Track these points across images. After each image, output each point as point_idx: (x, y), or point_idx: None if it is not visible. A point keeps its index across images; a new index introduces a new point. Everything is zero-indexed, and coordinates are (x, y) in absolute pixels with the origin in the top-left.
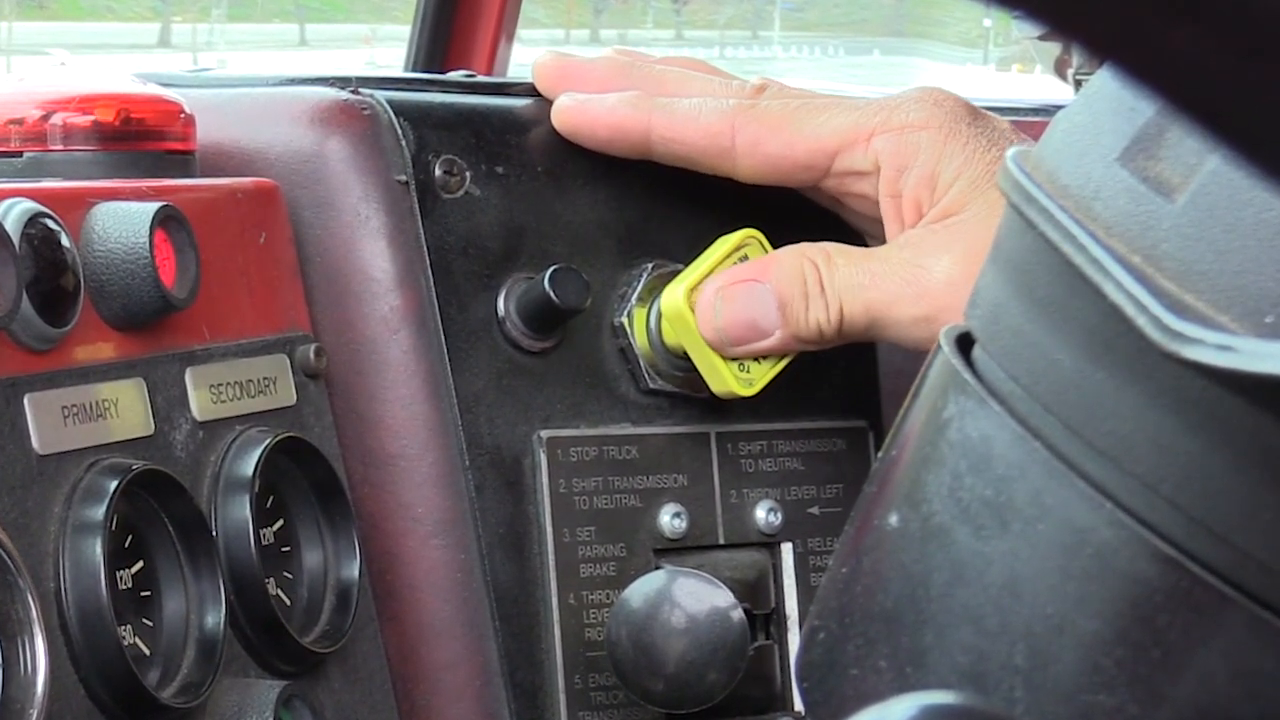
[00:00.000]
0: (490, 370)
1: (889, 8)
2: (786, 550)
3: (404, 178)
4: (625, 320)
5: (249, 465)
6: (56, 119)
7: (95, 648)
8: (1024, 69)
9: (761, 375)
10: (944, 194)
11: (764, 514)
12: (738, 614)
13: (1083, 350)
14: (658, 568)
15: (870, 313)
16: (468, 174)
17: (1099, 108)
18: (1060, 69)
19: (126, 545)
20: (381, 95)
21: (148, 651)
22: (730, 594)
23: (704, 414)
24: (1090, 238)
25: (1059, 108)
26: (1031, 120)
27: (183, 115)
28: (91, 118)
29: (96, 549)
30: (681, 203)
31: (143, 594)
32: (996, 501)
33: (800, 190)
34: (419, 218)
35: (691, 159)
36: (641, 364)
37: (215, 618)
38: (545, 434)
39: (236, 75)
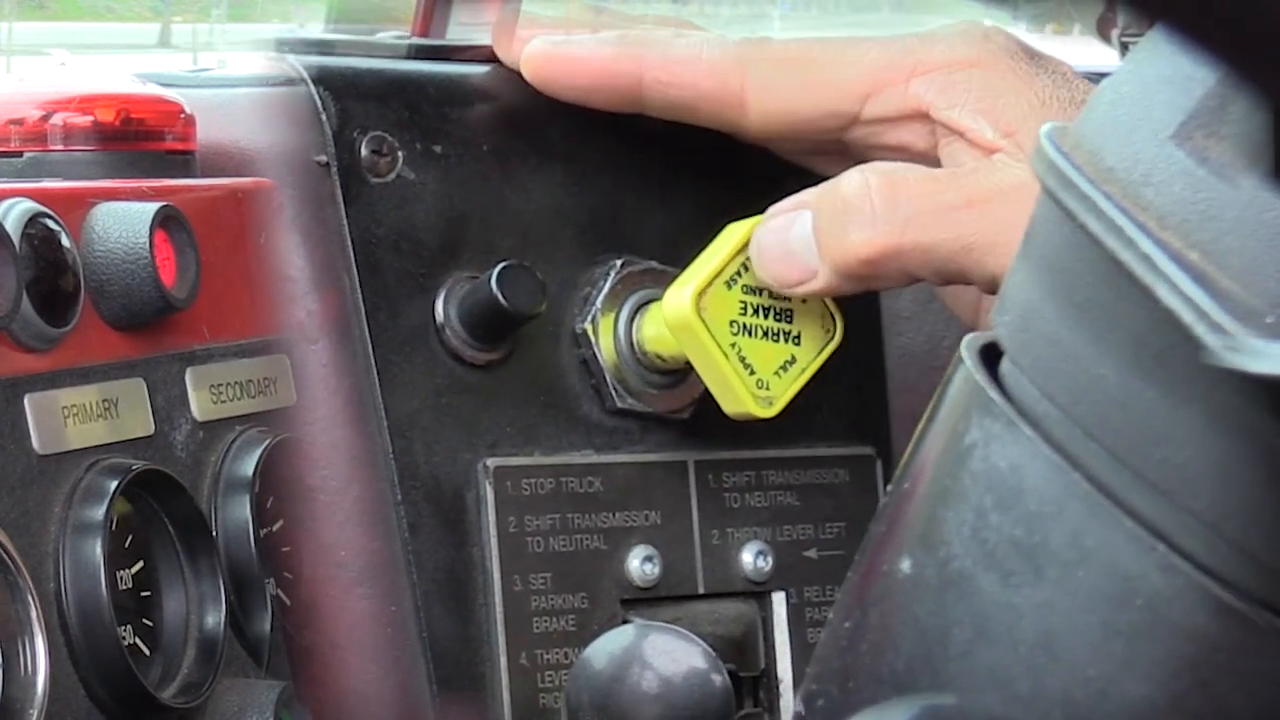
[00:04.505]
0: (427, 387)
1: None
2: (778, 601)
3: (324, 158)
4: (589, 327)
5: (249, 465)
6: (57, 119)
7: (95, 648)
8: (1060, 29)
9: (783, 391)
10: (1016, 131)
11: (751, 558)
12: (720, 677)
13: (1131, 364)
14: (625, 622)
15: (964, 244)
16: (400, 154)
17: (1150, 75)
18: (1103, 29)
19: (127, 545)
20: (298, 60)
21: (148, 651)
22: (712, 653)
23: (680, 439)
24: (1140, 230)
25: (1102, 76)
26: None
27: (183, 115)
28: (91, 118)
29: (96, 549)
30: (656, 187)
31: (143, 594)
32: (1028, 543)
33: (813, 150)
34: (342, 206)
35: (692, 108)
36: (608, 379)
37: (215, 618)
38: (492, 463)
39: (236, 75)
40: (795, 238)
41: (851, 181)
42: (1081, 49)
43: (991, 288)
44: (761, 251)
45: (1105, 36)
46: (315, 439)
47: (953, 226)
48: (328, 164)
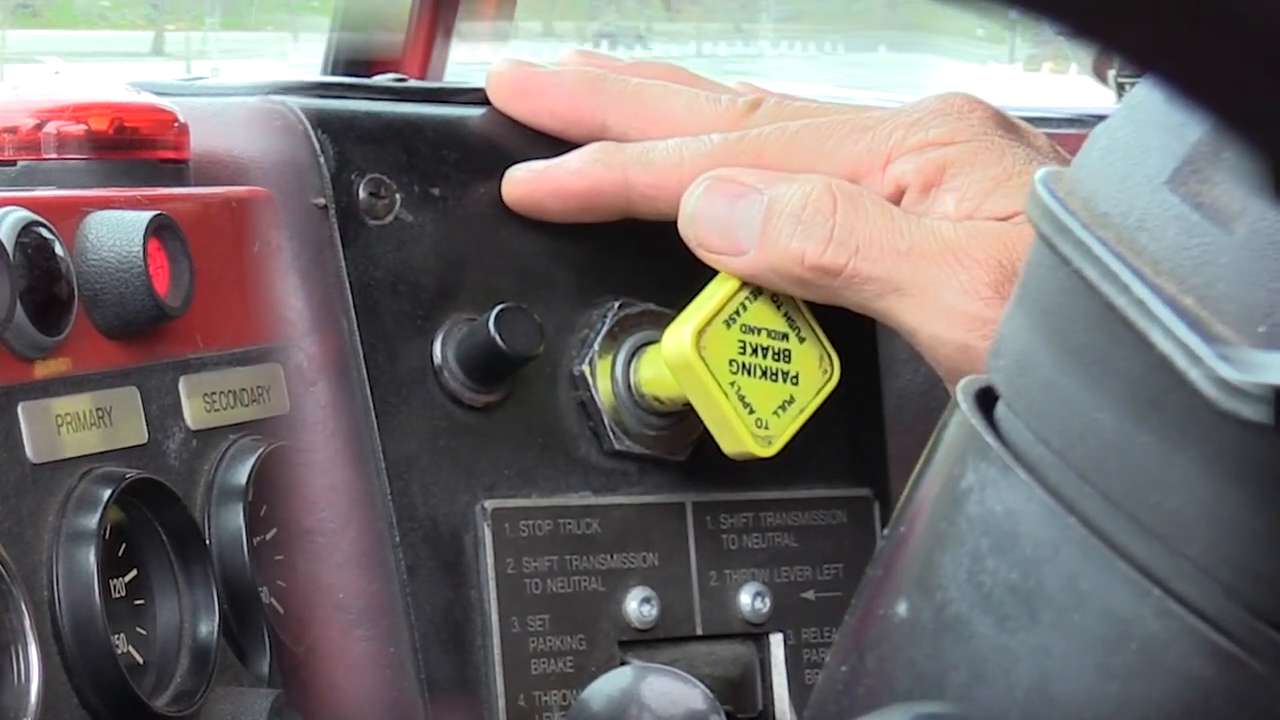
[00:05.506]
0: (425, 429)
1: None
2: (776, 642)
3: (322, 201)
4: (586, 369)
5: (243, 474)
6: (50, 128)
7: (88, 656)
8: (1057, 69)
9: (782, 431)
10: (988, 198)
11: (749, 599)
12: (718, 718)
13: (1125, 409)
14: (623, 663)
15: (896, 287)
16: (398, 196)
17: (1145, 121)
18: (1099, 70)
19: (120, 554)
20: (296, 103)
21: (141, 660)
22: (710, 694)
23: (678, 480)
24: (1134, 275)
25: (1099, 118)
26: (1066, 133)
27: (176, 124)
28: (85, 126)
29: (90, 557)
30: (653, 229)
31: (136, 602)
32: (1024, 587)
33: None
34: (340, 248)
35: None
36: (606, 421)
37: (209, 626)
38: (490, 505)
39: (230, 84)
40: (741, 212)
41: (816, 193)
42: (1079, 89)
43: (905, 335)
44: (698, 212)
45: (1101, 76)
46: (313, 482)
47: (892, 268)
48: (326, 206)
